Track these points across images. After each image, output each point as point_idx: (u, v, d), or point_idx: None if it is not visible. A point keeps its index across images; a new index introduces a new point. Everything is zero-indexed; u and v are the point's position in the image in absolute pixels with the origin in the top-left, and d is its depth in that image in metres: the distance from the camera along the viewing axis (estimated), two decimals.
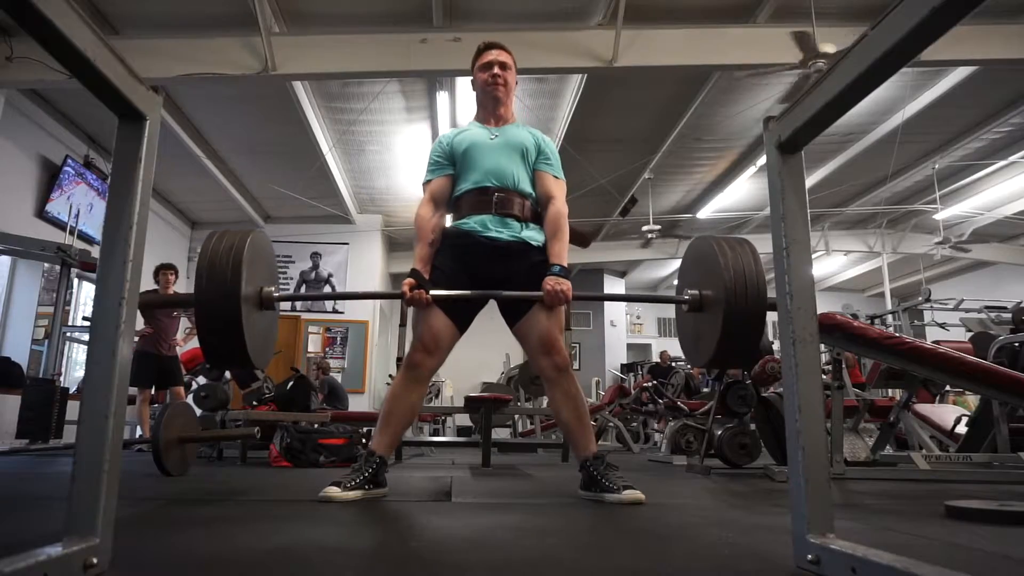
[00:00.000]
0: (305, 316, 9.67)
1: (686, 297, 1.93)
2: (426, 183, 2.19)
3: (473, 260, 2.08)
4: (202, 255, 1.70)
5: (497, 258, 2.07)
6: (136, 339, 5.27)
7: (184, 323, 5.82)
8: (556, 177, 2.18)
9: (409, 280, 1.99)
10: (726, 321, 1.75)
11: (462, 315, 2.08)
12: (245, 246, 1.71)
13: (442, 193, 2.16)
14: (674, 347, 12.90)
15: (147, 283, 5.22)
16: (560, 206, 2.12)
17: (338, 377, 9.46)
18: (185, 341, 5.81)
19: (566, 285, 1.99)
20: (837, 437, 2.83)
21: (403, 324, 3.91)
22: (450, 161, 2.17)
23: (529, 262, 2.09)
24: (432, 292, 1.98)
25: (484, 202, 2.09)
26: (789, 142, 1.01)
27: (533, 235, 2.12)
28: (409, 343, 2.13)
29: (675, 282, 14.37)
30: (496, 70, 2.18)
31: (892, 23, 0.74)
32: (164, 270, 5.60)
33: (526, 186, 2.14)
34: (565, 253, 2.07)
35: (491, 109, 2.23)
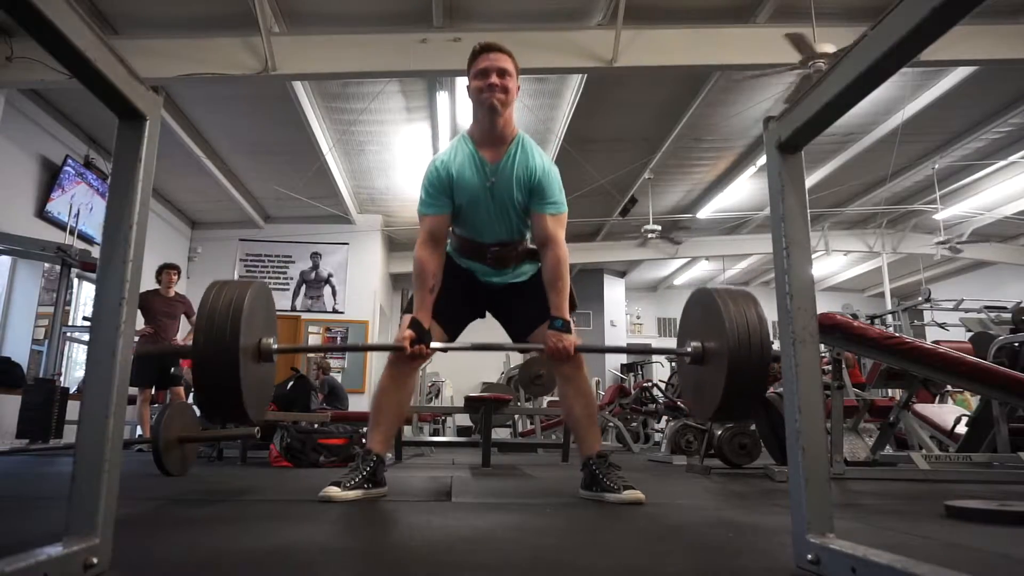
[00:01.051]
0: (305, 316, 9.67)
1: (688, 349, 1.92)
2: (423, 215, 2.04)
3: (472, 284, 2.15)
4: (202, 305, 1.70)
5: (495, 291, 2.16)
6: (136, 339, 5.27)
7: (184, 323, 5.81)
8: (555, 215, 2.02)
9: (410, 333, 1.92)
10: (730, 375, 1.74)
11: (454, 329, 2.11)
12: (245, 298, 1.70)
13: (442, 232, 2.04)
14: (673, 347, 12.88)
15: (148, 282, 5.22)
16: (559, 251, 1.98)
17: (338, 377, 9.46)
18: (185, 342, 5.80)
19: (569, 341, 1.94)
20: (837, 437, 2.83)
21: None
22: (448, 196, 2.02)
23: (525, 288, 2.14)
24: (433, 345, 1.98)
25: (480, 254, 2.12)
26: (789, 142, 1.01)
27: (528, 269, 2.15)
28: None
29: (675, 282, 14.43)
30: (493, 78, 1.95)
31: (892, 23, 0.74)
32: (168, 269, 5.60)
33: (523, 229, 2.11)
34: (566, 305, 1.98)
35: (488, 126, 2.00)
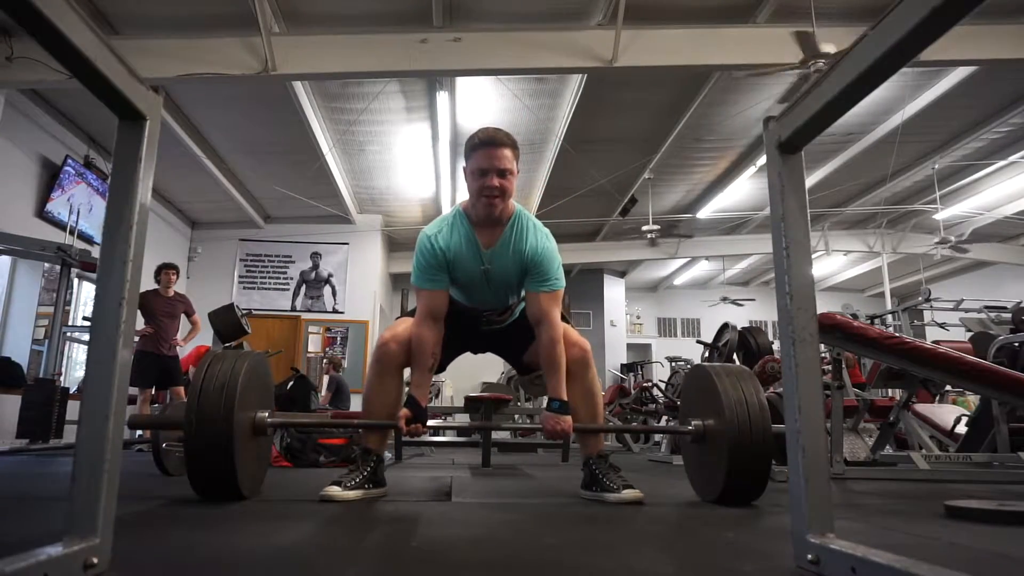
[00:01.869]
0: (305, 316, 9.68)
1: (690, 428, 1.92)
2: (420, 289, 1.99)
3: (467, 322, 2.15)
4: (194, 382, 1.69)
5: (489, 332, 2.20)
6: (136, 339, 5.27)
7: (184, 323, 5.82)
8: (549, 293, 1.98)
9: (405, 412, 1.90)
10: (731, 456, 1.74)
11: (446, 356, 2.12)
12: (241, 372, 1.70)
13: (441, 308, 1.99)
14: (674, 347, 12.92)
15: (148, 282, 5.22)
16: (554, 332, 1.95)
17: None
18: (186, 341, 5.81)
19: (566, 423, 1.93)
20: (837, 437, 2.83)
21: None
22: (445, 271, 1.98)
23: (518, 320, 2.16)
24: (430, 423, 2.01)
25: (475, 315, 2.15)
26: (789, 142, 1.01)
27: (520, 310, 2.17)
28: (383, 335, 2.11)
29: (675, 282, 14.44)
30: (493, 180, 1.88)
31: (892, 23, 0.74)
32: (166, 270, 5.60)
33: (516, 299, 2.13)
34: (563, 385, 1.95)
35: (484, 216, 1.95)
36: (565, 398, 1.95)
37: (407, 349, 1.98)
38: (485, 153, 1.89)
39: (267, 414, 1.84)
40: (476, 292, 2.05)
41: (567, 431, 1.93)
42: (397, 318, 2.17)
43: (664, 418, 6.07)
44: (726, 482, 1.77)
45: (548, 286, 1.98)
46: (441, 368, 2.16)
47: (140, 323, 5.47)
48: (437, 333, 1.97)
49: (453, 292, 2.08)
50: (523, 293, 2.08)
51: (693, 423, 1.91)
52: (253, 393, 1.79)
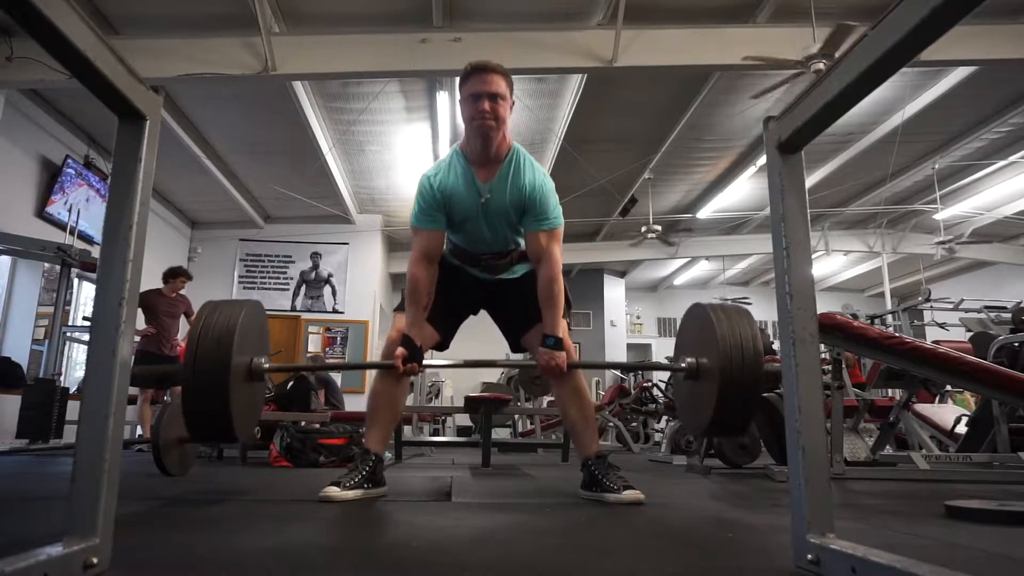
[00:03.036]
0: (305, 316, 9.67)
1: (683, 365, 1.92)
2: (417, 227, 2.02)
3: (465, 280, 2.14)
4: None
5: (488, 286, 2.16)
6: (137, 338, 5.28)
7: (184, 324, 5.82)
8: (549, 231, 1.99)
9: (401, 351, 1.92)
10: (721, 393, 1.75)
11: (447, 327, 2.12)
12: (239, 320, 1.70)
13: (436, 249, 2.03)
14: (673, 347, 12.89)
15: (149, 283, 5.21)
16: (552, 270, 1.97)
17: (338, 377, 9.46)
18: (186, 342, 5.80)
19: (561, 359, 1.96)
20: (837, 437, 2.83)
21: None
22: (442, 211, 2.00)
23: (518, 287, 2.14)
24: (425, 362, 2.00)
25: (473, 261, 2.14)
26: (789, 142, 1.01)
27: (521, 268, 2.16)
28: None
29: (675, 282, 14.43)
30: (485, 105, 1.89)
31: (892, 23, 0.74)
32: (181, 276, 5.61)
33: (517, 240, 2.11)
34: (559, 322, 1.97)
35: (480, 149, 1.96)
36: (560, 335, 1.97)
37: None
38: (477, 78, 1.91)
39: (263, 359, 1.86)
40: (475, 229, 2.04)
41: (561, 366, 1.95)
42: (394, 310, 2.19)
43: (664, 418, 6.07)
44: (714, 414, 1.78)
45: (548, 224, 1.99)
46: (445, 344, 2.15)
47: (140, 322, 5.48)
48: (432, 273, 2.01)
49: (452, 236, 2.10)
50: (522, 242, 2.09)
51: (686, 360, 1.92)
52: (250, 339, 1.81)
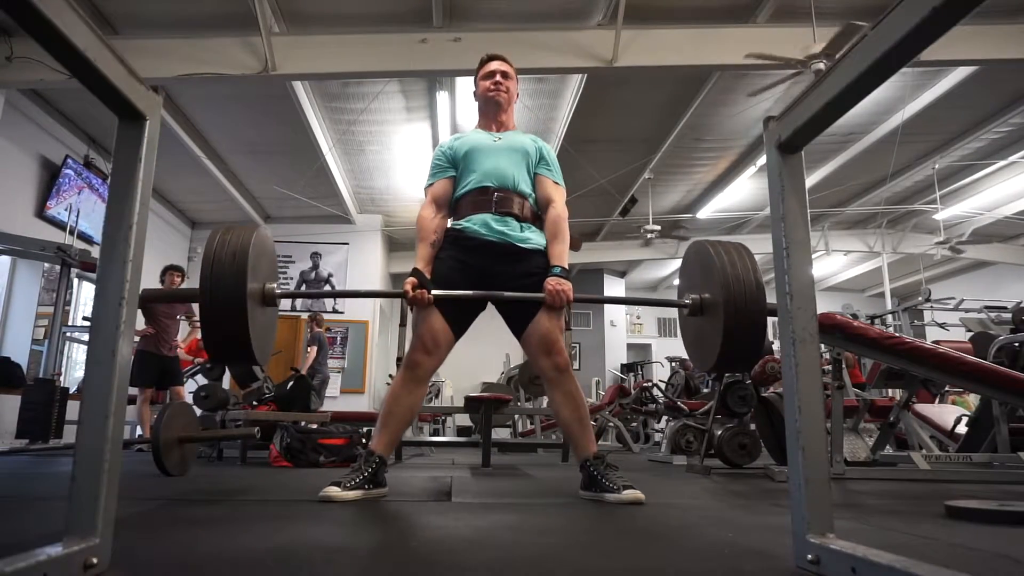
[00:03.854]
0: (305, 316, 9.66)
1: (687, 301, 1.93)
2: (428, 187, 2.22)
3: (475, 261, 2.09)
4: (207, 250, 1.71)
5: (499, 259, 2.08)
6: (137, 339, 5.28)
7: (184, 326, 5.82)
8: (556, 182, 2.22)
9: (411, 279, 2.01)
10: (727, 325, 1.76)
11: (460, 319, 2.11)
12: (250, 243, 1.72)
13: (444, 195, 2.19)
14: (674, 348, 12.91)
15: (149, 283, 5.21)
16: (560, 210, 2.16)
17: (338, 377, 9.48)
18: (184, 343, 5.80)
19: (567, 286, 2.04)
20: (837, 437, 2.83)
21: (403, 324, 3.91)
22: (452, 164, 2.20)
23: (530, 267, 2.10)
24: (434, 292, 2.00)
25: (484, 201, 2.11)
26: (789, 142, 1.01)
27: (534, 237, 2.13)
28: (409, 343, 2.14)
29: (675, 282, 14.40)
30: (498, 78, 2.23)
31: (892, 23, 0.74)
32: (171, 272, 5.61)
33: (526, 187, 2.18)
34: (566, 255, 2.11)
35: (492, 115, 2.27)
36: (566, 265, 2.09)
37: (435, 363, 2.06)
38: (490, 63, 2.27)
39: (275, 285, 1.89)
40: (485, 157, 2.17)
41: (567, 294, 2.03)
42: (400, 325, 2.20)
43: (664, 418, 6.07)
44: (722, 348, 1.79)
45: (555, 175, 2.24)
46: (456, 337, 2.11)
47: (140, 323, 5.48)
48: (441, 218, 2.17)
49: (464, 183, 2.16)
50: (527, 188, 2.17)
51: (690, 297, 1.92)
52: (262, 263, 1.83)
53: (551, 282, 2.03)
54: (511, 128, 2.30)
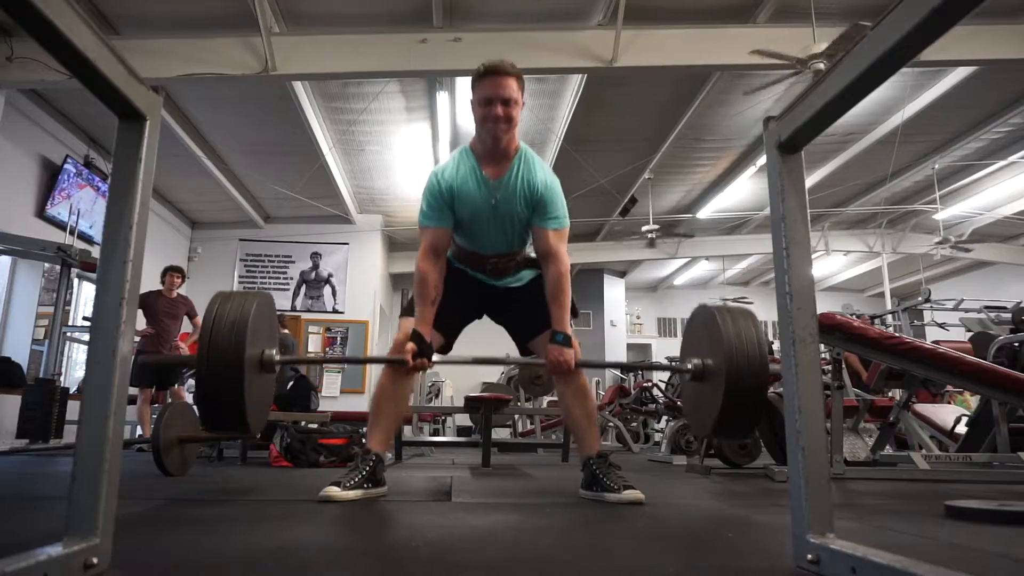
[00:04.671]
0: (305, 316, 9.67)
1: (689, 366, 1.92)
2: (424, 227, 2.03)
3: (470, 285, 2.15)
4: (206, 318, 1.70)
5: (494, 292, 2.17)
6: (137, 339, 5.28)
7: (186, 324, 5.82)
8: (557, 230, 2.02)
9: (411, 346, 1.91)
10: (727, 394, 1.74)
11: (450, 331, 2.12)
12: (251, 313, 1.71)
13: (443, 246, 2.04)
14: (674, 347, 12.92)
15: (150, 283, 5.22)
16: (561, 266, 1.99)
17: (338, 378, 9.49)
18: (185, 341, 5.80)
19: (569, 355, 1.95)
20: (837, 437, 2.83)
21: None
22: (449, 209, 2.01)
23: (524, 294, 2.15)
24: (435, 358, 2.01)
25: (480, 264, 2.14)
26: (789, 142, 1.01)
27: (527, 274, 2.16)
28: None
29: (675, 282, 14.43)
30: (498, 109, 1.91)
31: (892, 23, 0.74)
32: (171, 272, 5.62)
33: (524, 242, 2.12)
34: (567, 319, 1.98)
35: (491, 147, 1.99)
36: (569, 332, 1.98)
37: None
38: (490, 82, 1.92)
39: (274, 351, 1.86)
40: (482, 228, 2.05)
41: (569, 363, 1.95)
42: (400, 316, 2.17)
43: (664, 418, 6.07)
44: (720, 416, 1.78)
45: (556, 223, 2.02)
46: (448, 346, 2.15)
47: (141, 323, 5.47)
48: (440, 268, 2.02)
49: (459, 237, 2.10)
50: (527, 247, 2.10)
51: (692, 362, 1.92)
52: (261, 331, 1.81)
53: (553, 351, 1.95)
54: (512, 153, 2.01)
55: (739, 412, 1.78)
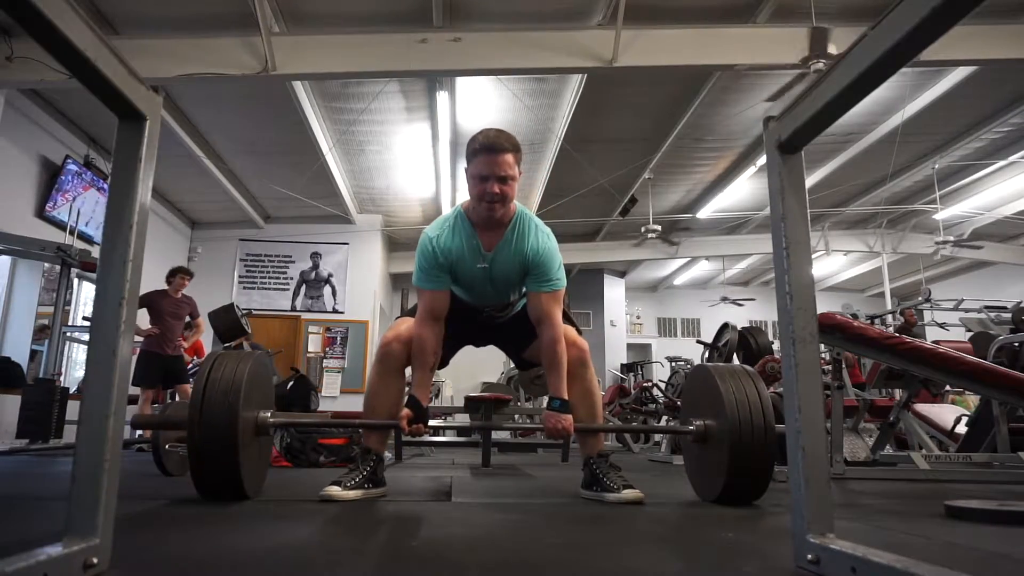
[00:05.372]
0: (305, 316, 9.67)
1: (691, 428, 1.90)
2: (421, 289, 2.01)
3: (470, 311, 2.15)
4: (198, 382, 1.68)
5: (492, 323, 2.20)
6: (141, 339, 5.29)
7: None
8: (551, 292, 2.00)
9: (407, 412, 1.90)
10: (733, 459, 1.72)
11: (448, 349, 2.13)
12: (244, 377, 1.70)
13: (442, 309, 2.00)
14: (674, 347, 12.92)
15: (149, 283, 5.22)
16: (555, 331, 1.97)
17: (338, 377, 9.50)
18: (185, 341, 5.81)
19: (567, 421, 1.93)
20: (837, 437, 2.83)
21: None
22: (446, 272, 2.00)
23: (517, 313, 2.17)
24: (431, 423, 2.02)
25: (474, 313, 2.16)
26: (789, 142, 1.01)
27: (521, 303, 2.16)
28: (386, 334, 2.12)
29: (675, 282, 14.42)
30: (494, 187, 1.88)
31: (892, 23, 0.74)
32: (182, 275, 5.66)
33: (519, 294, 2.13)
34: (564, 385, 1.96)
35: (485, 218, 1.95)
36: (566, 397, 1.95)
37: (410, 349, 1.99)
38: (486, 159, 1.88)
39: (269, 414, 1.85)
40: (477, 290, 2.06)
41: (568, 430, 1.93)
42: (398, 317, 2.16)
43: (664, 418, 6.07)
44: (727, 481, 1.76)
45: (549, 286, 1.99)
46: (444, 363, 2.17)
47: (144, 322, 5.48)
48: (438, 333, 1.99)
49: (455, 290, 2.08)
50: (524, 290, 2.09)
51: (695, 423, 1.90)
52: (255, 394, 1.79)
53: (550, 418, 1.93)
54: (507, 220, 1.98)
55: (747, 477, 1.75)
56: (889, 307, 8.57)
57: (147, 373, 5.22)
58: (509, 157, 1.90)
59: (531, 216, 2.05)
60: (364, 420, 2.07)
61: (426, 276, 1.99)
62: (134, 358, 7.76)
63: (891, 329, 5.43)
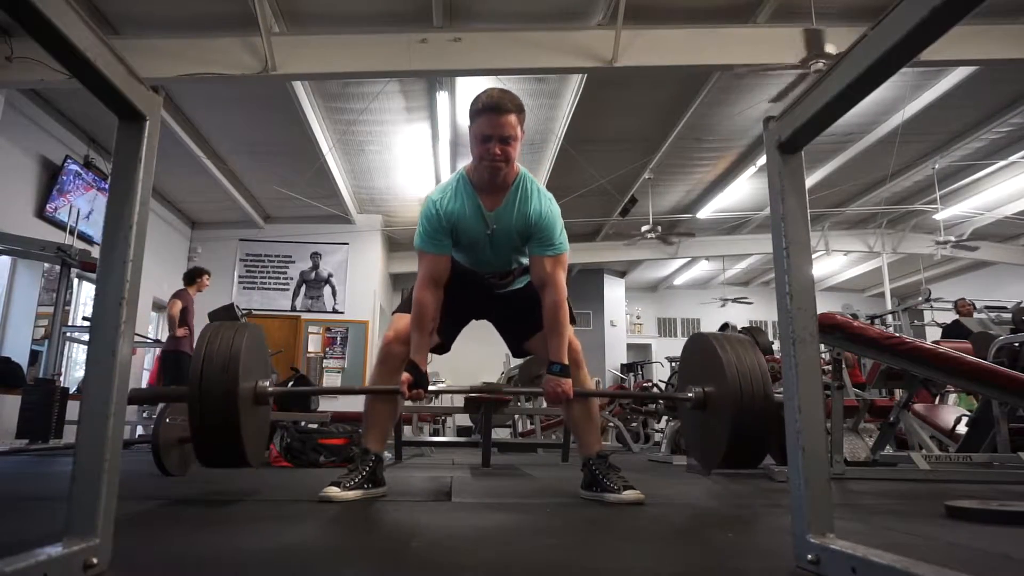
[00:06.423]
0: (305, 316, 9.67)
1: (689, 395, 1.89)
2: (422, 251, 1.99)
3: (471, 285, 2.14)
4: (196, 353, 1.69)
5: (493, 293, 2.18)
6: (169, 340, 5.42)
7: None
8: (554, 256, 1.98)
9: (407, 376, 1.89)
10: (735, 420, 1.71)
11: (449, 332, 2.13)
12: (242, 346, 1.70)
13: (443, 273, 1.99)
14: (674, 347, 12.91)
15: (150, 283, 5.22)
16: (558, 295, 1.95)
17: (338, 377, 9.50)
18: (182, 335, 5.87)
19: (567, 385, 1.93)
20: (837, 437, 2.83)
21: None
22: (447, 236, 1.98)
23: (521, 296, 2.16)
24: (431, 388, 2.00)
25: (478, 279, 2.15)
26: (789, 142, 1.01)
27: (523, 280, 2.16)
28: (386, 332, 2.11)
29: (675, 283, 14.43)
30: (495, 148, 1.86)
31: (892, 23, 0.74)
32: (204, 274, 5.79)
33: (520, 261, 2.11)
34: (564, 349, 1.96)
35: (488, 180, 1.94)
36: (566, 362, 1.95)
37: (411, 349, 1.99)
38: (488, 120, 1.86)
39: (267, 383, 1.86)
40: (480, 254, 2.04)
41: (568, 393, 1.93)
42: (394, 312, 2.16)
43: (664, 418, 6.06)
44: (728, 446, 1.75)
45: (553, 250, 1.98)
46: (445, 348, 2.16)
47: (153, 324, 5.51)
48: (438, 298, 1.98)
49: (456, 254, 2.08)
50: (525, 261, 2.08)
51: (693, 390, 1.89)
52: (253, 363, 1.81)
53: (550, 382, 1.94)
54: (510, 182, 1.97)
55: (748, 441, 1.75)
56: (889, 307, 8.57)
57: (185, 373, 5.27)
58: (512, 118, 1.87)
59: (534, 180, 2.03)
60: (365, 387, 2.10)
61: (429, 239, 1.98)
62: (148, 358, 7.81)
63: (891, 329, 5.43)
